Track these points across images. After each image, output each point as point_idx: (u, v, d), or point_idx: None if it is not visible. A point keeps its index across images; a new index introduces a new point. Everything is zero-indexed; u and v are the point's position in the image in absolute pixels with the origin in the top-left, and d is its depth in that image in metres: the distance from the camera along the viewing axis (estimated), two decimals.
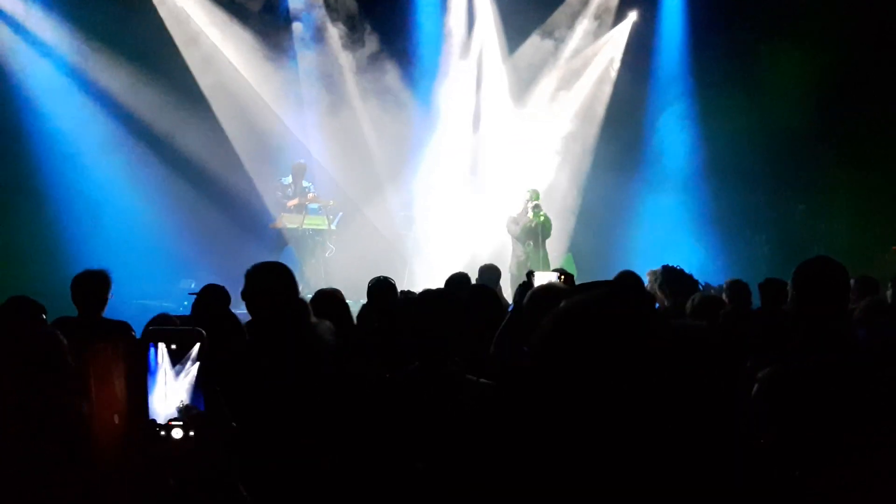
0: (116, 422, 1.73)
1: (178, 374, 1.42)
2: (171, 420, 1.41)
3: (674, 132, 13.91)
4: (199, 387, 1.42)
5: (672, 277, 5.10)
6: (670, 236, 13.21)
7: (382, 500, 2.69)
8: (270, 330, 3.09)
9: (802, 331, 2.86)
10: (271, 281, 3.18)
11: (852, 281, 3.99)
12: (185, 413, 1.41)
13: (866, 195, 12.84)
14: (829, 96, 12.49)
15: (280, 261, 3.49)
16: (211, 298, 5.29)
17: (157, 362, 1.43)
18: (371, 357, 4.00)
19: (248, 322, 3.44)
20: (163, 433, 1.40)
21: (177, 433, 1.41)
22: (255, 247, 12.03)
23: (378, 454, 2.75)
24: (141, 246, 11.23)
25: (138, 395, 1.42)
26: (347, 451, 2.75)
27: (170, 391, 1.42)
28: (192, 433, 1.40)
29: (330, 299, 4.75)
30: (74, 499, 1.97)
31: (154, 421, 1.41)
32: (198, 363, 1.42)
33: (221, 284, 5.41)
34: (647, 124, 14.12)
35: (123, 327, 4.85)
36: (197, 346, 1.42)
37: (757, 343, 4.03)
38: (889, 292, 5.87)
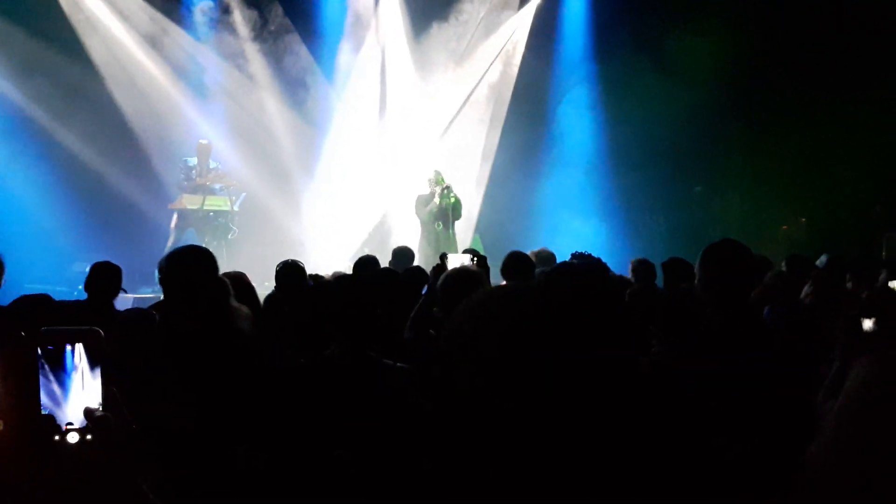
0: (1, 428, 1.62)
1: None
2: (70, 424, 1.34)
3: (577, 115, 14.15)
4: (101, 387, 1.36)
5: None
6: (572, 217, 13.46)
7: (303, 488, 2.64)
8: (191, 316, 2.98)
9: (711, 311, 2.94)
10: (192, 265, 3.08)
11: None
12: (86, 416, 1.34)
13: (759, 177, 13.40)
14: (729, 82, 12.91)
15: (180, 243, 3.41)
16: (104, 278, 5.05)
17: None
18: (282, 343, 3.92)
19: (158, 303, 3.32)
20: (57, 438, 1.33)
21: (72, 437, 1.34)
22: (154, 228, 11.68)
23: (297, 442, 2.69)
24: (31, 229, 10.75)
25: (29, 398, 1.34)
26: (268, 441, 2.69)
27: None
28: (88, 437, 1.33)
29: (236, 283, 4.53)
30: None
31: (49, 426, 1.34)
32: (99, 362, 1.36)
33: (115, 263, 5.18)
34: (550, 106, 14.32)
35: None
36: (90, 345, 1.35)
37: (663, 321, 4.15)
38: (784, 270, 6.11)
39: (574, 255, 5.23)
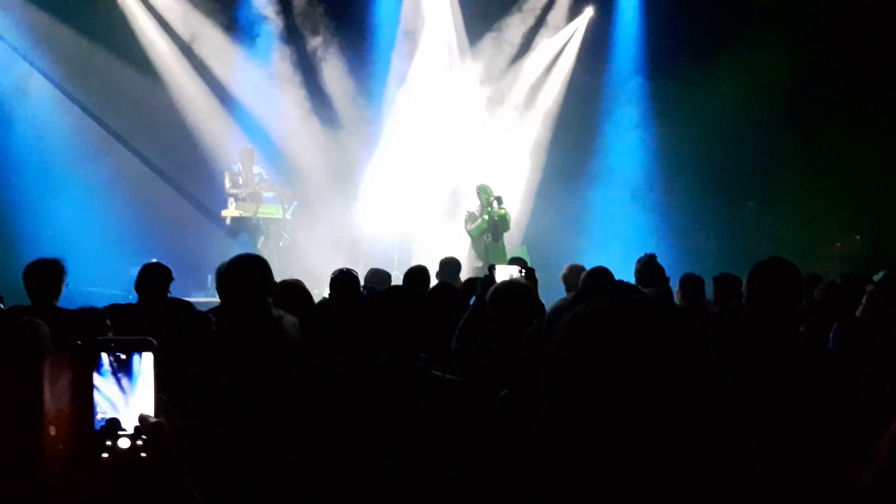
0: (53, 433, 1.68)
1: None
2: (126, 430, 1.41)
3: (627, 129, 14.07)
4: (154, 393, 1.42)
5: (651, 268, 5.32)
6: (621, 230, 13.37)
7: (351, 497, 2.69)
8: (240, 325, 3.05)
9: (757, 330, 2.94)
10: (246, 275, 3.13)
11: None
12: (141, 422, 1.40)
13: (812, 194, 13.17)
14: (783, 97, 12.74)
15: (234, 250, 3.48)
16: (154, 279, 5.17)
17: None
18: (334, 351, 3.98)
19: (216, 307, 3.39)
20: (109, 443, 1.39)
21: (124, 443, 1.39)
22: (210, 234, 11.92)
23: (346, 451, 2.75)
24: (92, 232, 11.02)
25: (81, 405, 1.40)
26: (317, 448, 2.74)
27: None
28: (139, 442, 1.39)
29: (294, 290, 4.55)
30: None
31: (100, 431, 1.40)
32: (154, 369, 1.42)
33: (166, 266, 5.30)
34: (600, 120, 14.26)
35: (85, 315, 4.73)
36: (152, 353, 1.42)
37: (712, 337, 4.14)
38: (833, 285, 6.01)
39: (641, 259, 5.39)
